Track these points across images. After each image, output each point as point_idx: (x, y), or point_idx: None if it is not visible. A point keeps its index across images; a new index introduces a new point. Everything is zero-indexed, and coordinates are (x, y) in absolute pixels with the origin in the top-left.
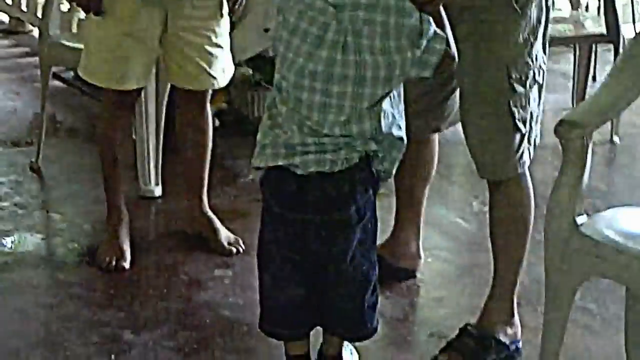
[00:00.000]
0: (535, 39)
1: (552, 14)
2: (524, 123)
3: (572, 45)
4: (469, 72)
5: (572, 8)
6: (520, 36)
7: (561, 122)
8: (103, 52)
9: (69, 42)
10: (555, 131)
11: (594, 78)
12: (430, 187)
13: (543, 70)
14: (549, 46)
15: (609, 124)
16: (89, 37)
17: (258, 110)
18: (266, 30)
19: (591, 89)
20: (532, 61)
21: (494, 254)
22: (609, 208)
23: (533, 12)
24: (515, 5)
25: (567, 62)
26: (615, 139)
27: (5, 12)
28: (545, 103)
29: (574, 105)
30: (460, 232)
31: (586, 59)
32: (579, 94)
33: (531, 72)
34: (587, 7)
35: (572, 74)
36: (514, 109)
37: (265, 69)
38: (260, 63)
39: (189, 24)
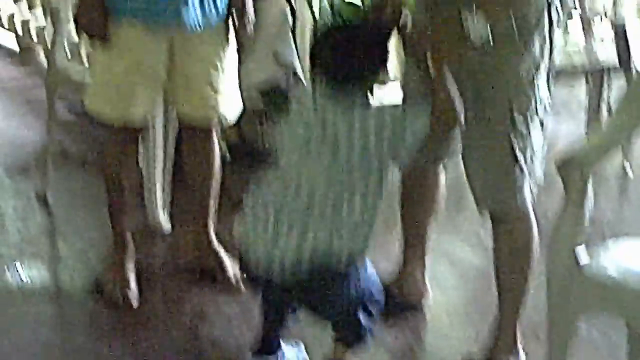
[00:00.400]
0: (538, 73)
1: (558, 46)
2: (525, 157)
3: (585, 75)
4: (471, 105)
5: (585, 38)
6: (523, 70)
7: (561, 157)
8: (108, 83)
9: (75, 71)
10: (557, 168)
11: (609, 108)
12: (440, 219)
13: (546, 104)
14: (562, 76)
15: (621, 155)
16: (93, 69)
17: (269, 144)
18: (276, 57)
19: (603, 118)
20: (535, 95)
21: (497, 287)
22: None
23: (536, 46)
24: (518, 40)
25: (581, 91)
26: (628, 170)
27: (17, 42)
28: (558, 132)
29: (587, 135)
30: (468, 263)
31: (599, 88)
32: (592, 123)
33: (533, 106)
34: (601, 37)
35: (585, 103)
36: (514, 142)
37: (278, 103)
38: (272, 96)
39: (195, 56)
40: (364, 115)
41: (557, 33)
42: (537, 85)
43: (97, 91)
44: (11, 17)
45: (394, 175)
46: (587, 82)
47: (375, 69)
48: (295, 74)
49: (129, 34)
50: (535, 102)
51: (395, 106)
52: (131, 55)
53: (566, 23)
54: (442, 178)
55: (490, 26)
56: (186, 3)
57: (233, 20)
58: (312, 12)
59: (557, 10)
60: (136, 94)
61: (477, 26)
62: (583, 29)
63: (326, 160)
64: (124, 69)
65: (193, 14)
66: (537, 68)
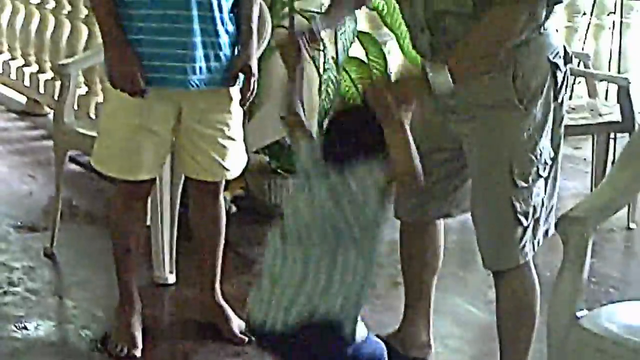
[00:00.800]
0: (541, 136)
1: (565, 108)
2: (526, 216)
3: (591, 133)
4: (474, 166)
5: (590, 96)
6: (525, 134)
7: (562, 218)
8: (116, 143)
9: (83, 128)
10: (556, 227)
11: (613, 163)
12: (444, 275)
13: (550, 165)
14: (568, 134)
15: (625, 210)
16: (102, 127)
17: (274, 197)
18: (282, 118)
19: None
20: (537, 157)
21: (500, 342)
22: (623, 296)
23: (538, 110)
24: (519, 104)
25: (587, 148)
26: (632, 225)
27: (23, 94)
28: (564, 189)
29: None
30: (473, 320)
31: (604, 146)
32: (597, 181)
33: (535, 168)
34: (606, 95)
35: (591, 160)
36: (515, 203)
37: (282, 156)
38: (277, 150)
39: (202, 116)
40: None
41: (563, 95)
42: (541, 147)
43: (104, 150)
44: (20, 69)
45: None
46: (593, 140)
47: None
48: None
49: (139, 100)
50: (538, 164)
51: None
52: (139, 119)
53: (572, 87)
54: (442, 234)
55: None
56: (193, 66)
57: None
58: (317, 69)
59: (563, 76)
60: (144, 154)
61: (438, 78)
62: (588, 88)
63: (318, 223)
64: (132, 131)
65: (200, 75)
66: (541, 130)
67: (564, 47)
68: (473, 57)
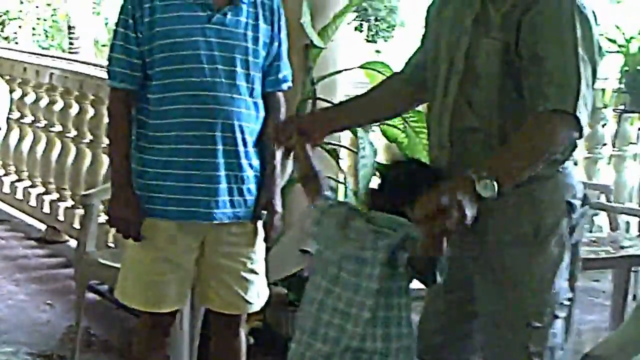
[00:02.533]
0: (557, 275)
1: (580, 248)
2: (541, 358)
3: (611, 266)
4: (486, 305)
5: (611, 229)
6: (539, 274)
7: (585, 358)
8: (140, 276)
9: (105, 259)
10: None
11: (634, 297)
12: None
13: (567, 305)
14: (588, 267)
15: None
16: (126, 260)
17: (293, 330)
18: (302, 251)
19: (630, 309)
20: (553, 299)
21: None
22: None
23: (553, 249)
24: (534, 239)
25: (606, 280)
26: None
27: (42, 221)
28: (583, 323)
29: (613, 327)
30: None
31: (624, 279)
32: (617, 315)
33: (549, 309)
34: (627, 228)
35: (611, 293)
36: (529, 344)
37: (301, 289)
38: (295, 283)
39: (225, 250)
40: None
41: (579, 236)
42: (557, 287)
43: (128, 281)
44: (39, 196)
45: None
46: (613, 272)
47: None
48: None
49: (162, 232)
50: (554, 305)
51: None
52: (163, 252)
53: (592, 218)
54: None
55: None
56: (217, 199)
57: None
58: None
59: (579, 217)
60: (167, 288)
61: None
62: (609, 221)
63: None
64: (156, 264)
65: (224, 209)
66: (556, 270)
67: (583, 188)
68: (522, 167)
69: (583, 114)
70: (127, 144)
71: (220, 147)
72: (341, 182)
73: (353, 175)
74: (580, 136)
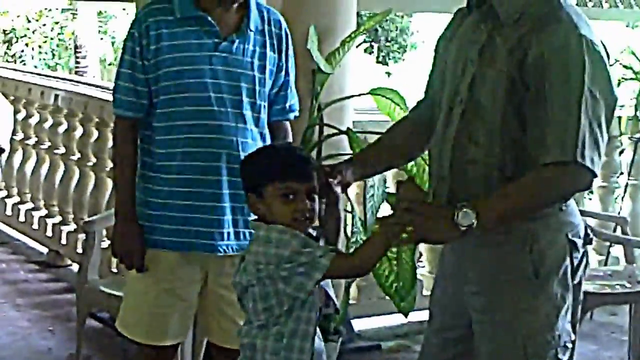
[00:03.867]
0: (559, 316)
1: (599, 276)
2: None
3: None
4: (484, 344)
5: (627, 262)
6: (540, 314)
7: None
8: (142, 308)
9: (108, 287)
10: None
11: None
12: None
13: (569, 348)
14: (604, 302)
15: None
16: (128, 291)
17: None
18: None
19: None
20: (554, 339)
21: None
22: None
23: (556, 288)
24: (534, 277)
25: (624, 315)
26: None
27: (45, 244)
28: (599, 359)
29: None
30: None
31: None
32: (635, 350)
33: (553, 350)
34: None
35: (628, 328)
36: None
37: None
38: None
39: (229, 281)
40: None
41: (581, 276)
42: (559, 328)
43: (130, 315)
44: (42, 219)
45: None
46: (630, 307)
47: None
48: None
49: (164, 263)
50: (557, 347)
51: None
52: (166, 283)
53: (609, 250)
54: None
55: (508, 263)
56: (221, 231)
57: None
58: (345, 232)
59: (581, 257)
60: (169, 320)
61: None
62: (625, 254)
63: None
64: (158, 296)
65: (228, 241)
66: (558, 311)
67: (586, 227)
68: (509, 209)
69: (589, 157)
70: (132, 173)
71: (225, 177)
72: (349, 212)
73: (361, 204)
74: (594, 176)
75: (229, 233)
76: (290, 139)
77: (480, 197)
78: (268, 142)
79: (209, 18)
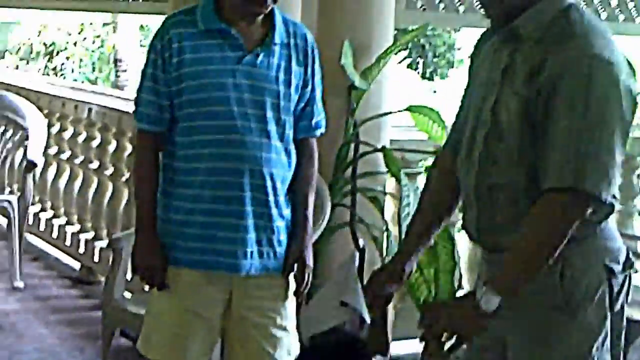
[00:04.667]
0: (594, 348)
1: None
2: None
3: None
4: None
5: None
6: (573, 344)
7: None
8: (163, 328)
9: (134, 305)
10: None
11: None
12: None
13: None
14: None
15: None
16: (150, 310)
17: None
18: (343, 304)
19: None
20: None
21: None
22: None
23: (590, 318)
24: (565, 306)
25: None
26: None
27: (77, 260)
28: None
29: None
30: None
31: None
32: None
33: None
34: None
35: None
36: None
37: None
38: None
39: (254, 304)
40: None
41: (622, 303)
42: (593, 358)
43: (152, 333)
44: (75, 234)
45: None
46: None
47: None
48: (362, 319)
49: (188, 283)
50: None
51: None
52: (187, 303)
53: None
54: None
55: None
56: (245, 250)
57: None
58: (381, 252)
59: (622, 283)
60: (191, 342)
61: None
62: None
63: None
64: (180, 316)
65: (252, 260)
66: (594, 342)
67: (628, 250)
68: (514, 273)
69: (590, 182)
70: (153, 189)
71: (247, 193)
72: (384, 231)
73: (397, 224)
74: (599, 201)
75: (252, 252)
76: (316, 157)
77: (508, 224)
78: (293, 158)
79: (233, 31)
